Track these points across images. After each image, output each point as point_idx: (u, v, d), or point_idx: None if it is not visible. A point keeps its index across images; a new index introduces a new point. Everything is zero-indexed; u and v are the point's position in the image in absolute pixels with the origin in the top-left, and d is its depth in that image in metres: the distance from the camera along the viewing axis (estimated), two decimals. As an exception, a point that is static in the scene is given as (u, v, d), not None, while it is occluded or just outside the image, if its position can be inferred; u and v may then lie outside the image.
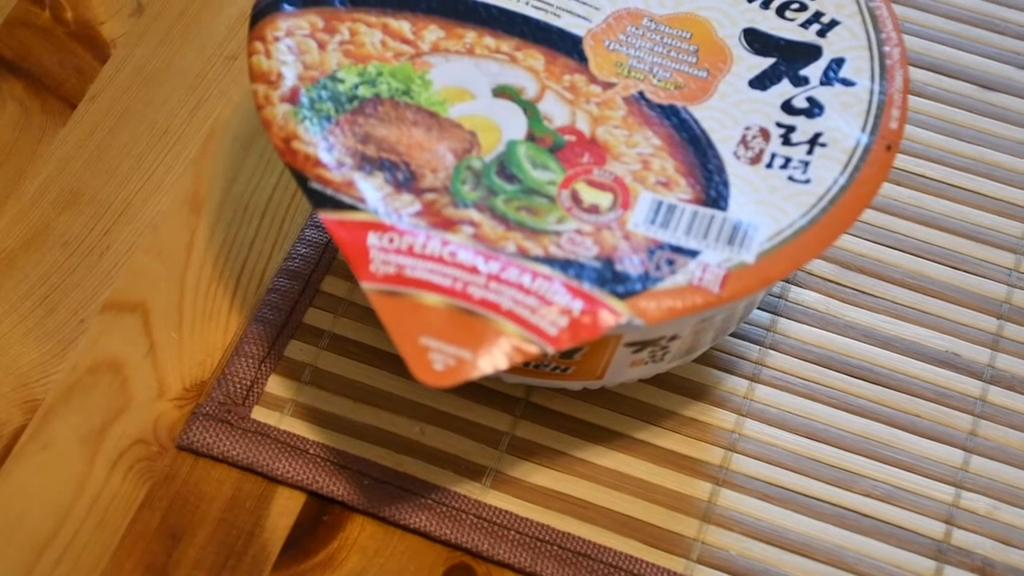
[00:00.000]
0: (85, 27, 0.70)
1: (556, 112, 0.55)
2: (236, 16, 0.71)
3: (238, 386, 0.60)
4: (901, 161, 0.68)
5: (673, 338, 0.53)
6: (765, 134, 0.54)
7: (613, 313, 0.50)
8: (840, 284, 0.64)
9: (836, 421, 0.61)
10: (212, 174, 0.66)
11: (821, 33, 0.56)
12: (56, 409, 0.60)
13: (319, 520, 0.58)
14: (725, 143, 0.54)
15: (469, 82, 0.55)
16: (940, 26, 0.72)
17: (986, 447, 0.61)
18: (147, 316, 0.62)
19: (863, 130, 0.54)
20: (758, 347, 0.62)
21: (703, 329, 0.55)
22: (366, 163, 0.53)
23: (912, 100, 0.70)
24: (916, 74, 0.71)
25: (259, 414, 0.60)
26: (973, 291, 0.65)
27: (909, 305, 0.64)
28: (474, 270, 0.51)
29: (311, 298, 0.63)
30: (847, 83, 0.55)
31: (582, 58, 0.56)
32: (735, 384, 0.62)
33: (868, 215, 0.66)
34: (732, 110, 0.54)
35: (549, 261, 0.51)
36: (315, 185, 0.52)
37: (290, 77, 0.55)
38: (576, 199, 0.52)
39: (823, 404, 0.61)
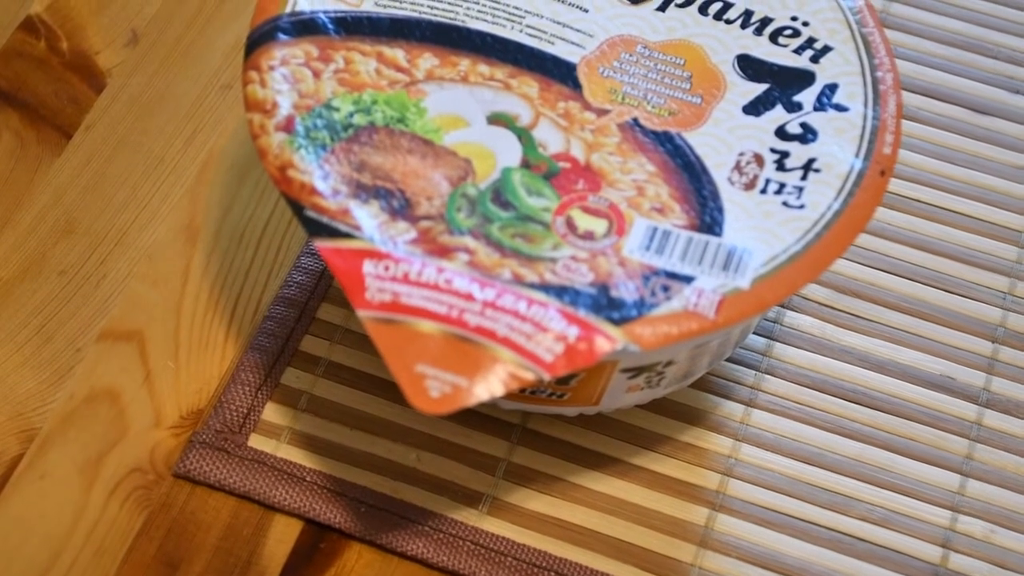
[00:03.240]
0: (80, 57, 0.70)
1: (551, 139, 0.55)
2: (231, 45, 0.71)
3: (234, 414, 0.60)
4: (895, 185, 0.68)
5: (669, 363, 0.53)
6: (759, 160, 0.54)
7: (609, 339, 0.50)
8: (835, 308, 0.64)
9: (832, 445, 0.61)
10: (208, 202, 0.66)
11: (814, 59, 0.56)
12: (53, 438, 0.60)
13: (316, 547, 0.58)
14: (719, 169, 0.54)
15: (464, 110, 0.55)
16: (933, 51, 0.72)
17: (982, 471, 0.61)
18: (143, 345, 0.62)
19: (857, 155, 0.54)
20: (754, 372, 0.62)
21: (699, 354, 0.55)
22: (361, 191, 0.53)
23: (905, 124, 0.70)
24: (909, 98, 0.71)
25: (256, 442, 0.60)
26: (968, 315, 0.65)
27: (904, 329, 0.64)
28: (470, 297, 0.51)
29: (307, 326, 0.63)
30: (840, 108, 0.55)
31: (576, 85, 0.56)
32: (731, 409, 0.62)
33: (862, 239, 0.66)
34: (726, 136, 0.55)
35: (544, 288, 0.51)
36: (311, 213, 0.52)
37: (285, 106, 0.55)
38: (571, 226, 0.53)
39: (819, 428, 0.61)
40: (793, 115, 0.55)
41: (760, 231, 0.53)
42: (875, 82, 0.56)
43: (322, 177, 0.53)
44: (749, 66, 0.56)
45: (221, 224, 0.66)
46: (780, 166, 0.54)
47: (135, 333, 0.63)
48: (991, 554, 0.59)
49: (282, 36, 0.56)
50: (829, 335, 0.64)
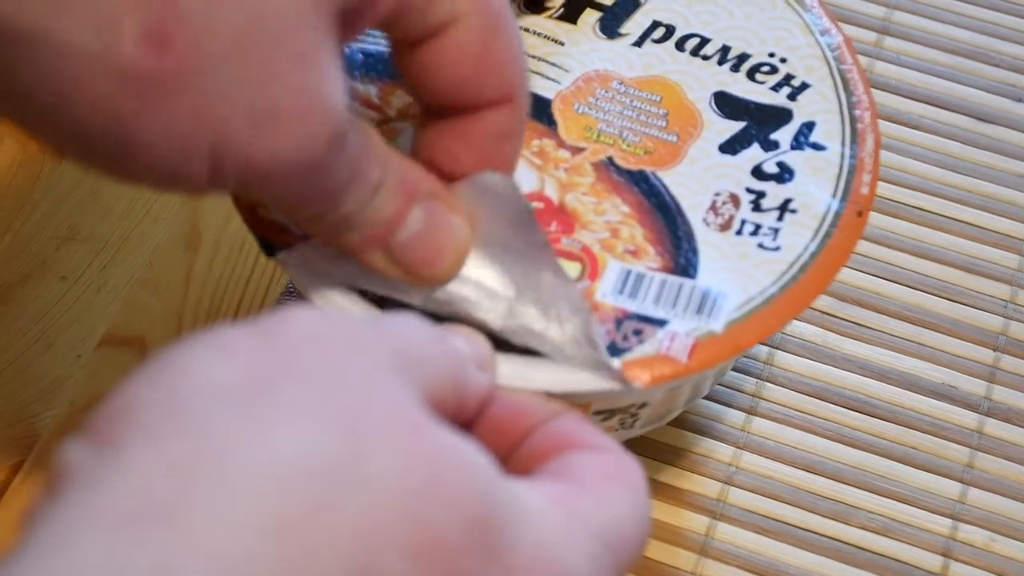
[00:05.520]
0: (83, 63, 0.70)
1: (524, 178, 0.53)
2: (233, 52, 0.71)
3: (235, 421, 0.60)
4: (897, 193, 0.68)
5: (643, 405, 0.52)
6: (735, 200, 0.53)
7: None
8: (837, 317, 0.64)
9: (833, 454, 0.61)
10: (210, 209, 0.66)
11: (791, 96, 0.56)
12: (53, 446, 0.60)
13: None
14: (694, 209, 0.53)
15: None
16: (936, 59, 0.72)
17: (983, 479, 0.61)
18: (144, 351, 0.62)
19: (834, 196, 0.53)
20: (755, 380, 0.62)
21: (674, 395, 0.54)
22: None
23: (908, 133, 0.70)
24: (912, 107, 0.71)
25: (256, 449, 0.60)
26: (969, 323, 0.65)
27: (906, 338, 0.64)
28: None
29: (308, 333, 0.63)
30: (818, 147, 0.54)
31: (551, 122, 0.55)
32: (732, 417, 0.62)
33: (865, 248, 0.66)
34: (701, 175, 0.53)
35: None
36: (281, 255, 0.51)
37: None
38: None
39: (820, 437, 0.61)
40: (770, 154, 0.54)
41: (735, 273, 0.51)
42: (853, 120, 0.55)
43: None
44: (726, 103, 0.55)
45: (223, 231, 0.66)
46: (756, 206, 0.53)
47: (136, 339, 0.63)
48: (992, 563, 0.59)
49: None
50: (831, 343, 0.64)
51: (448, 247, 0.47)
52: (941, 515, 0.60)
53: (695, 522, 0.59)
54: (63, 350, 0.62)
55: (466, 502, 0.35)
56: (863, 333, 0.64)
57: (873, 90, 0.56)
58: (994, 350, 0.64)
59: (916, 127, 0.70)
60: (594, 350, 0.48)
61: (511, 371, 0.47)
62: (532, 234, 0.48)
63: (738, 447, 0.61)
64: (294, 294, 0.63)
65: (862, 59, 0.57)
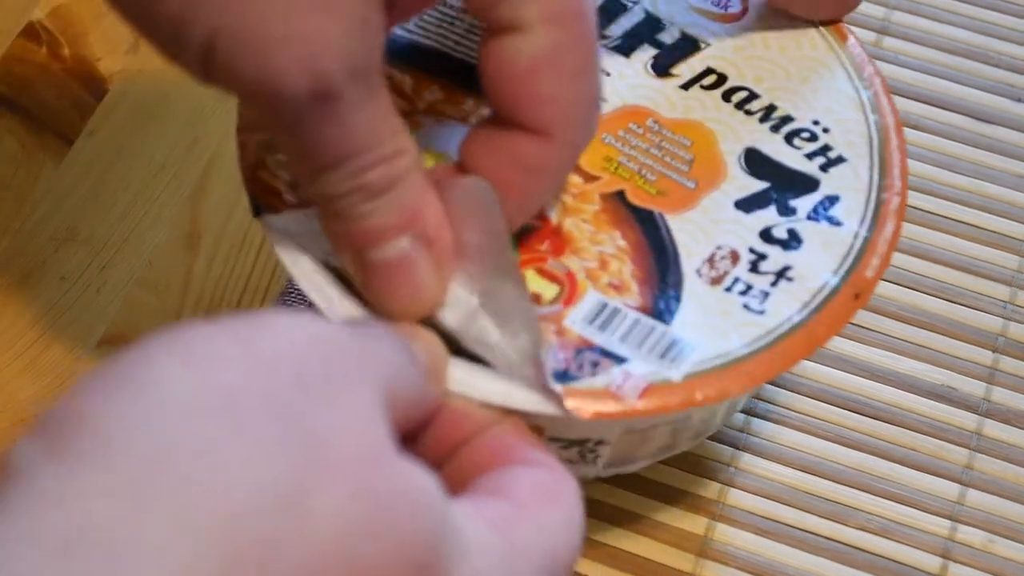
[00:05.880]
0: (82, 63, 0.71)
1: None
2: (233, 51, 0.71)
3: (234, 422, 0.60)
4: (896, 194, 0.68)
5: (600, 443, 0.52)
6: (735, 257, 0.52)
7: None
8: (836, 317, 0.64)
9: (831, 455, 0.61)
10: (209, 209, 0.66)
11: (824, 167, 0.54)
12: (53, 445, 0.60)
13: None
14: (691, 258, 0.52)
15: (452, 148, 0.52)
16: (936, 59, 0.72)
17: (982, 481, 0.61)
18: (144, 352, 0.62)
19: (835, 273, 0.52)
20: (754, 381, 0.62)
21: (635, 441, 0.53)
22: None
23: (907, 133, 0.70)
24: (912, 107, 0.71)
25: (255, 450, 0.60)
26: (968, 324, 0.65)
27: (904, 339, 0.64)
28: None
29: (307, 333, 0.63)
30: (834, 222, 0.53)
31: None
32: (731, 419, 0.62)
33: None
34: (709, 226, 0.52)
35: None
36: (266, 217, 0.51)
37: None
38: None
39: (818, 438, 0.61)
40: (783, 219, 0.53)
41: (711, 328, 0.50)
42: (879, 203, 0.53)
43: (292, 185, 0.52)
44: (755, 161, 0.54)
45: (222, 231, 0.66)
46: (754, 267, 0.51)
47: (135, 339, 0.62)
48: (990, 564, 0.59)
49: None
50: (829, 345, 0.64)
51: (411, 295, 0.46)
52: (940, 516, 0.60)
53: (694, 523, 0.59)
54: (62, 350, 0.62)
55: (410, 546, 0.35)
56: (861, 334, 0.64)
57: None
58: (993, 351, 0.64)
59: (915, 127, 0.70)
60: (537, 370, 0.47)
61: (459, 376, 0.47)
62: (503, 248, 0.47)
63: (737, 448, 0.61)
64: (293, 295, 0.63)
65: (896, 113, 0.56)
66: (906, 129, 0.69)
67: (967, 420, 0.62)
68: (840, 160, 0.54)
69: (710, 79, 0.56)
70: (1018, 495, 0.61)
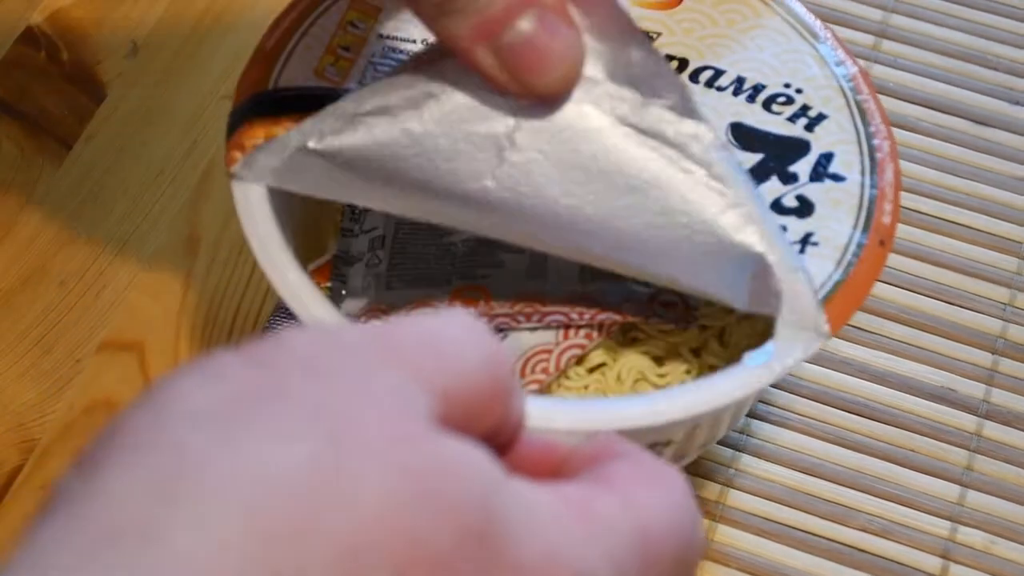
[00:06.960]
0: (81, 68, 0.71)
1: None
2: (231, 56, 0.71)
3: (234, 425, 0.60)
4: (895, 197, 0.68)
5: (667, 443, 0.52)
6: None
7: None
8: (835, 320, 0.64)
9: (832, 456, 0.61)
10: (208, 213, 0.66)
11: (809, 127, 0.54)
12: (53, 449, 0.60)
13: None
14: None
15: None
16: (934, 62, 0.72)
17: (982, 482, 0.61)
18: (143, 355, 0.62)
19: (855, 227, 0.52)
20: (754, 383, 0.62)
21: (693, 435, 0.53)
22: None
23: (906, 136, 0.70)
24: (910, 110, 0.71)
25: (255, 453, 0.60)
26: (968, 326, 0.65)
27: (904, 341, 0.64)
28: None
29: (307, 336, 0.63)
30: (837, 178, 0.53)
31: None
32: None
33: (862, 251, 0.66)
34: None
35: None
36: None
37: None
38: None
39: (819, 440, 0.61)
40: (789, 187, 0.53)
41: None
42: (871, 150, 0.54)
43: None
44: (743, 135, 0.54)
45: (221, 234, 0.66)
46: None
47: (135, 344, 0.63)
48: (991, 565, 0.59)
49: (265, 113, 0.55)
50: (830, 347, 0.64)
51: (558, 58, 0.46)
52: (940, 517, 0.60)
53: (694, 525, 0.59)
54: (62, 354, 0.62)
55: (459, 514, 0.35)
56: (862, 336, 0.64)
57: (871, 93, 0.56)
58: (992, 353, 0.64)
59: (913, 130, 0.70)
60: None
61: (534, 411, 0.46)
62: (622, 16, 0.47)
63: (737, 450, 0.61)
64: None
65: (860, 63, 0.56)
66: (904, 132, 0.70)
67: (967, 422, 0.62)
68: (822, 117, 0.55)
69: (671, 65, 0.56)
70: (1018, 496, 0.61)
